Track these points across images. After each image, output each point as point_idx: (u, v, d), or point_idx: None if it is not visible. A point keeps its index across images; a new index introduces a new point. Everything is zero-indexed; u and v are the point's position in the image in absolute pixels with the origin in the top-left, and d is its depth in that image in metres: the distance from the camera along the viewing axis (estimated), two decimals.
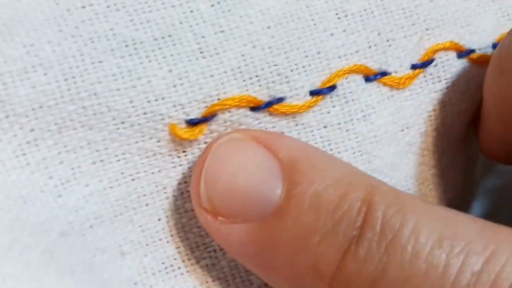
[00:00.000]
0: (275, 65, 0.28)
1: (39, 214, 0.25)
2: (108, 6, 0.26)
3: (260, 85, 0.28)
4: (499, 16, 0.33)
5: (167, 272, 0.29)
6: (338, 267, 0.25)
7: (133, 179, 0.28)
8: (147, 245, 0.28)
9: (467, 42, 0.32)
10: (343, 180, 0.26)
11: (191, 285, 0.29)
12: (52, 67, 0.25)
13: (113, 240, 0.27)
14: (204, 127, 0.28)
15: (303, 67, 0.29)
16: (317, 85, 0.29)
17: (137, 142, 0.27)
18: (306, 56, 0.29)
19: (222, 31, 0.28)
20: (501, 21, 0.33)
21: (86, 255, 0.27)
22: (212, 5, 0.28)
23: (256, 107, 0.28)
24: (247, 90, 0.28)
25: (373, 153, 0.31)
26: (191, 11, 0.27)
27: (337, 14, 0.29)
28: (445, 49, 0.32)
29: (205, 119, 0.28)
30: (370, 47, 0.30)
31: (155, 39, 0.27)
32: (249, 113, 0.28)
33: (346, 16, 0.30)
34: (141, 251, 0.28)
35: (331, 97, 0.30)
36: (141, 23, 0.26)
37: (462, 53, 0.32)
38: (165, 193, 0.28)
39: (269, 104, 0.29)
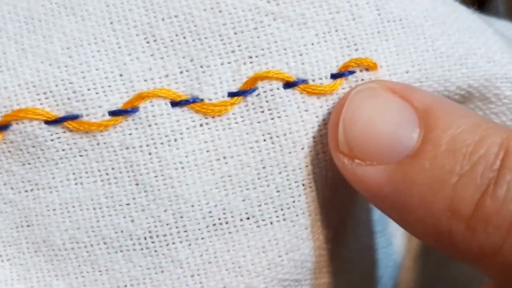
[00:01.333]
0: (70, 83, 0.30)
1: None
2: None
3: (55, 101, 0.30)
4: (344, 45, 0.31)
5: None
6: (476, 207, 0.26)
7: None
8: None
9: (298, 72, 0.30)
10: (479, 126, 0.27)
11: (8, 277, 0.31)
12: None
13: None
14: (0, 136, 0.30)
15: (102, 87, 0.30)
16: (118, 106, 0.30)
17: None
18: (106, 78, 0.30)
19: (23, 49, 0.30)
20: (346, 50, 0.31)
21: None
22: (20, 26, 0.30)
23: (50, 121, 0.30)
24: (41, 104, 0.30)
25: (178, 179, 0.30)
26: None
27: (146, 38, 0.30)
28: (268, 78, 0.30)
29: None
30: (181, 72, 0.30)
31: None
32: (44, 126, 0.30)
33: (155, 41, 0.30)
34: None
35: (133, 119, 0.30)
36: None
37: (290, 83, 0.30)
38: None
39: (62, 119, 0.30)
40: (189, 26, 0.30)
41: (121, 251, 0.31)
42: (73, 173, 0.31)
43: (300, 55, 0.30)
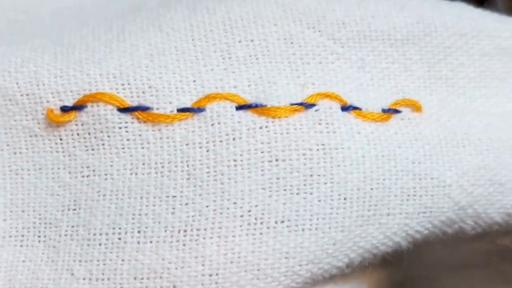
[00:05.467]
0: (148, 80, 0.33)
1: None
2: None
3: (131, 92, 0.33)
4: (394, 92, 0.34)
5: (15, 240, 0.32)
6: None
7: (14, 153, 0.33)
8: (10, 212, 0.32)
9: (353, 101, 0.33)
10: None
11: (38, 257, 0.31)
12: None
13: None
14: (73, 114, 0.32)
15: (176, 88, 0.33)
16: (187, 104, 0.32)
17: (21, 120, 0.33)
18: (181, 81, 0.33)
19: (110, 51, 0.34)
20: (394, 96, 0.34)
21: None
22: (111, 37, 0.34)
23: (123, 108, 0.32)
24: (117, 92, 0.33)
25: (228, 176, 0.31)
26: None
27: (222, 55, 0.34)
28: (328, 97, 0.33)
29: (75, 107, 0.32)
30: (249, 85, 0.33)
31: (54, 43, 0.34)
32: (116, 112, 0.32)
33: (230, 58, 0.34)
34: (2, 215, 0.32)
35: (198, 118, 0.32)
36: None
37: (347, 106, 0.33)
38: (40, 172, 0.32)
39: (135, 108, 0.32)
40: (262, 50, 0.34)
41: (151, 242, 0.31)
42: (131, 163, 0.32)
43: (357, 91, 0.33)
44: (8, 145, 0.33)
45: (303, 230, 0.31)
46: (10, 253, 0.32)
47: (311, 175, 0.31)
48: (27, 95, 0.33)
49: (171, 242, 0.30)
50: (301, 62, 0.34)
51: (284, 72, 0.33)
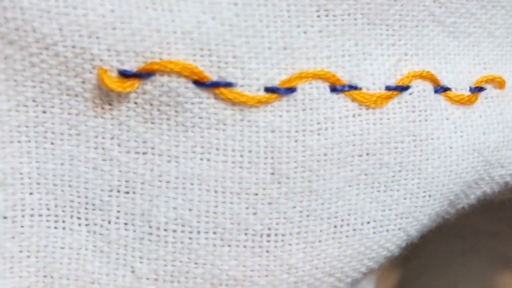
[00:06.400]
0: (232, 46, 0.25)
1: None
2: None
3: (210, 61, 0.25)
4: (476, 62, 0.31)
5: (47, 221, 0.26)
6: None
7: (44, 112, 0.25)
8: (37, 184, 0.26)
9: (443, 79, 0.29)
10: None
11: (81, 245, 0.27)
12: None
13: None
14: (136, 83, 0.25)
15: (264, 58, 0.26)
16: (275, 82, 0.26)
17: (59, 75, 0.25)
18: (270, 48, 0.26)
19: None
20: (477, 68, 0.31)
21: None
22: None
23: (200, 82, 0.25)
24: (194, 60, 0.25)
25: (317, 172, 0.27)
26: None
27: (318, 11, 0.27)
28: (422, 77, 0.29)
29: (139, 75, 0.24)
30: (343, 56, 0.27)
31: None
32: (191, 85, 0.25)
33: (327, 15, 0.27)
34: (28, 187, 0.26)
35: (287, 100, 0.26)
36: None
37: (439, 87, 0.29)
38: (78, 139, 0.26)
39: (215, 84, 0.25)
40: (363, 7, 0.27)
41: (229, 245, 0.27)
42: (202, 146, 0.26)
43: (446, 63, 0.30)
44: (34, 101, 0.25)
45: (387, 231, 0.29)
46: (41, 235, 0.26)
47: (399, 171, 0.29)
48: (73, 47, 0.24)
49: (253, 247, 0.27)
50: (399, 25, 0.28)
51: (380, 38, 0.28)
